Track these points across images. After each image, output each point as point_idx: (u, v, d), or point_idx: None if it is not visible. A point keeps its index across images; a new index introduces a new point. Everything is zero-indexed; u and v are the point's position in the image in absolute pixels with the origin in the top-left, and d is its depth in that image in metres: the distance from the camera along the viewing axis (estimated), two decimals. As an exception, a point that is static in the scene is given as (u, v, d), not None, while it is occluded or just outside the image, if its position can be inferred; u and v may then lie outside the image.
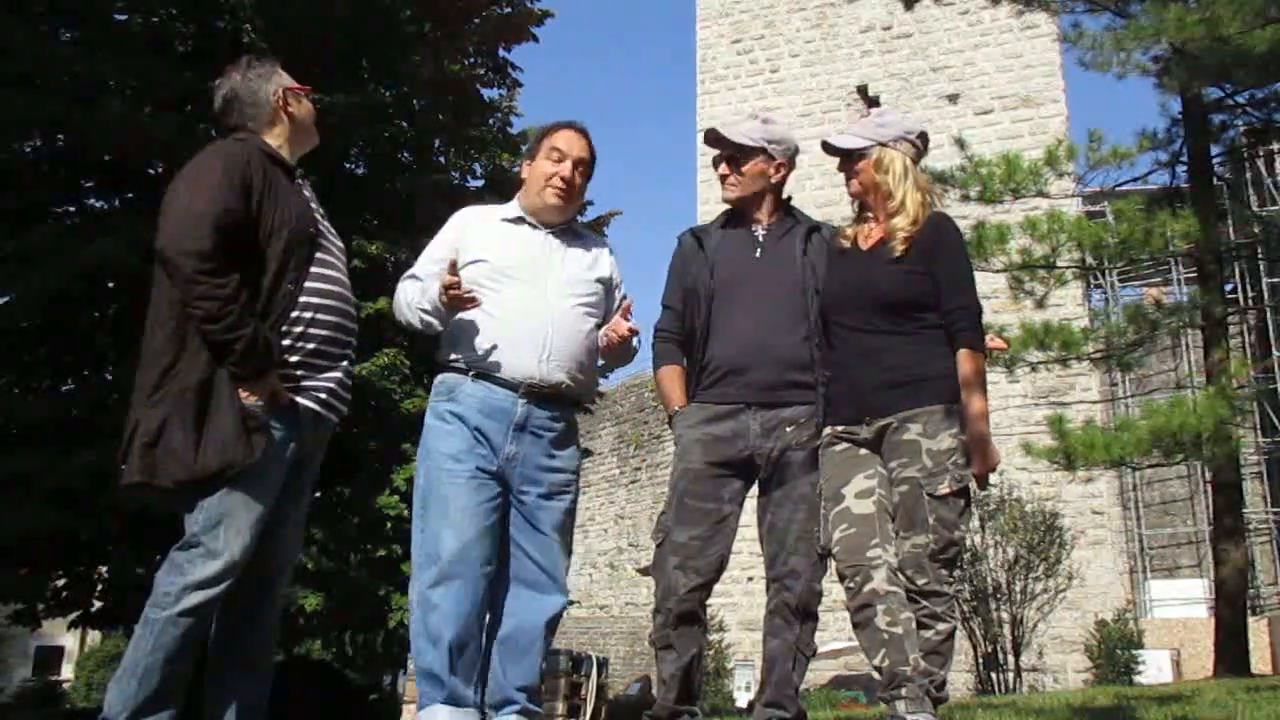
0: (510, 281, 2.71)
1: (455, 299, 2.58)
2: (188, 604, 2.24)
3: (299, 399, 2.42)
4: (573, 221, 2.95)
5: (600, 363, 2.89)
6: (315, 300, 2.47)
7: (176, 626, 2.24)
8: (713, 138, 2.94)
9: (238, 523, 2.29)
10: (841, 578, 2.54)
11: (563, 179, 2.80)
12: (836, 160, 2.82)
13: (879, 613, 2.44)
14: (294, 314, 2.43)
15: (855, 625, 2.52)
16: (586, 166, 2.87)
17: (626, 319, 2.76)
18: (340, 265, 2.59)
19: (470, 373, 2.68)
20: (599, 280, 2.85)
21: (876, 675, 2.50)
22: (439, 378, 2.77)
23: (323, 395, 2.47)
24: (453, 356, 2.73)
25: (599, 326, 2.83)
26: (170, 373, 2.33)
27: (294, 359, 2.42)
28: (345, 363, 2.55)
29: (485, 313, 2.68)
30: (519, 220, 2.85)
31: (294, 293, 2.42)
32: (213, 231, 2.31)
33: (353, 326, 2.59)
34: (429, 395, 2.84)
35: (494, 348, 2.67)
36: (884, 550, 2.50)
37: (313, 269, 2.48)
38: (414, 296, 2.73)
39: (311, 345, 2.45)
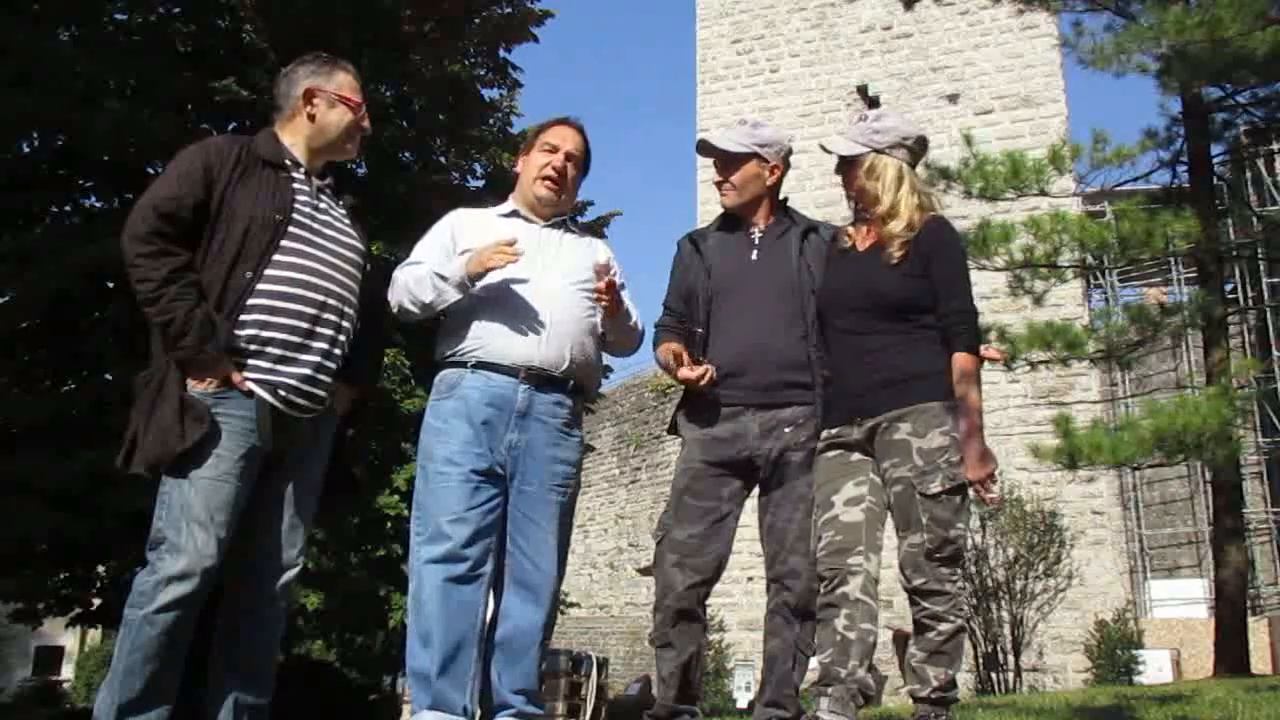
0: (507, 270, 2.67)
1: (501, 255, 2.55)
2: (161, 601, 2.23)
3: (256, 389, 2.39)
4: (567, 218, 2.94)
5: (609, 337, 2.84)
6: (278, 289, 2.43)
7: (153, 625, 2.23)
8: (704, 147, 2.95)
9: (198, 515, 2.28)
10: (819, 579, 2.56)
11: (554, 169, 2.81)
12: (836, 163, 2.83)
13: (841, 615, 2.47)
14: (250, 302, 2.39)
15: (817, 621, 2.56)
16: (579, 161, 2.87)
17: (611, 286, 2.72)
18: (326, 259, 2.53)
19: (470, 364, 2.66)
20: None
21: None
22: (439, 375, 2.74)
23: (281, 390, 2.42)
24: (451, 350, 2.71)
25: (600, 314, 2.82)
26: (151, 366, 2.37)
27: (251, 348, 2.39)
28: (319, 358, 2.48)
29: (482, 302, 2.66)
30: (513, 214, 2.85)
31: (252, 280, 2.39)
32: (155, 216, 2.33)
33: (335, 320, 2.52)
34: (429, 394, 2.80)
35: (493, 335, 2.65)
36: (866, 560, 2.51)
37: (279, 258, 2.44)
38: (420, 274, 2.67)
39: (270, 334, 2.41)
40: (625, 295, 2.83)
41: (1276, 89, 10.54)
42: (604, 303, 2.71)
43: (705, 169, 17.90)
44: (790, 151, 2.98)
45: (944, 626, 2.50)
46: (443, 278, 2.63)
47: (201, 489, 2.30)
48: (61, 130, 8.09)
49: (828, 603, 2.51)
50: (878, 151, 2.72)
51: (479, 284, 2.64)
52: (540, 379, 2.67)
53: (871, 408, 2.58)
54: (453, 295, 2.63)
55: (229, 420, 2.34)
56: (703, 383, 2.72)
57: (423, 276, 2.66)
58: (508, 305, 2.68)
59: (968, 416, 2.53)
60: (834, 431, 2.65)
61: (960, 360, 2.57)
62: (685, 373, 2.71)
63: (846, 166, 2.76)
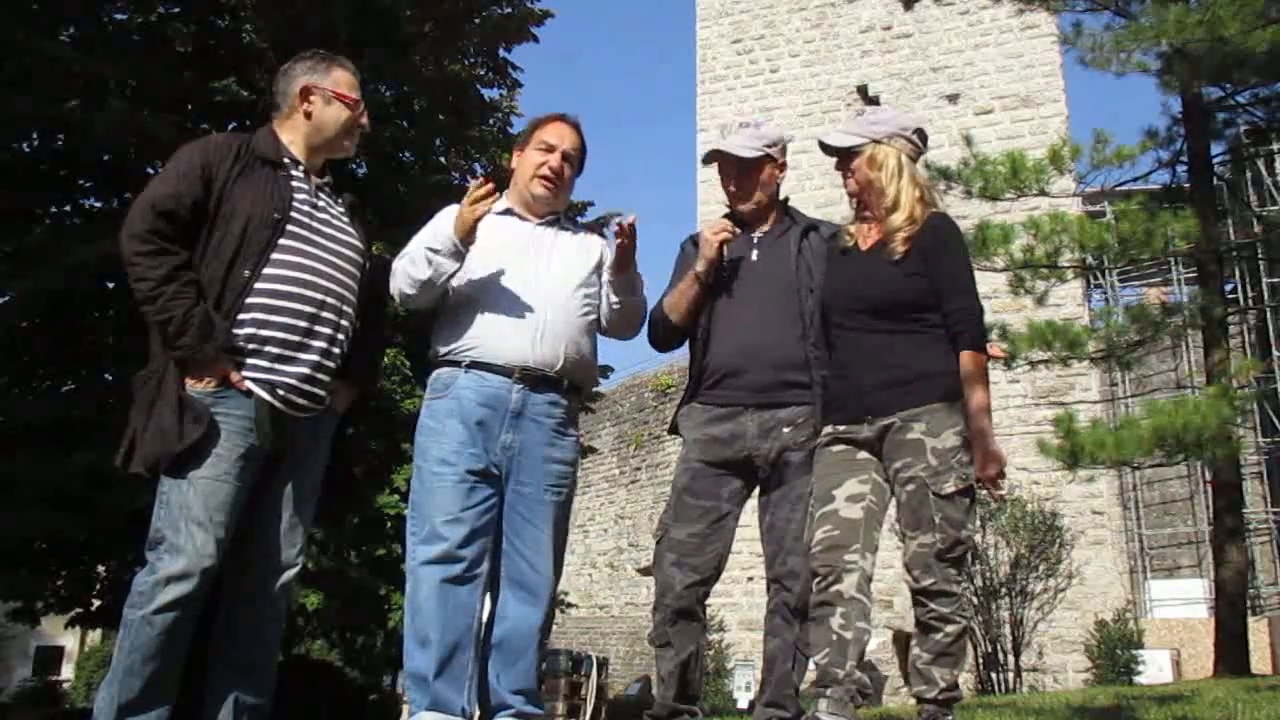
0: (500, 268, 2.67)
1: (481, 200, 2.56)
2: (160, 601, 2.23)
3: (255, 388, 2.38)
4: (561, 214, 2.92)
5: (617, 304, 2.81)
6: (276, 287, 2.42)
7: (152, 626, 2.23)
8: (716, 158, 2.91)
9: (197, 515, 2.27)
10: (814, 575, 2.53)
11: (551, 169, 2.79)
12: (835, 160, 2.81)
13: (836, 614, 2.45)
14: (249, 300, 2.38)
15: (811, 619, 2.53)
16: (576, 159, 2.85)
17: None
18: (325, 257, 2.53)
19: (464, 363, 2.65)
20: (593, 264, 2.83)
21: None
22: (433, 374, 2.73)
23: (280, 389, 2.41)
24: (446, 350, 2.70)
25: (596, 312, 2.81)
26: (150, 366, 2.36)
27: (250, 347, 2.39)
28: (318, 357, 2.48)
29: (476, 301, 2.66)
30: (507, 212, 2.83)
31: (251, 279, 2.38)
32: (153, 215, 2.33)
33: (334, 319, 2.52)
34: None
35: (486, 335, 2.64)
36: (862, 558, 2.49)
37: (278, 256, 2.43)
38: (414, 257, 2.67)
39: (269, 333, 2.40)
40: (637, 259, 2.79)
41: (1276, 89, 10.55)
42: (624, 242, 2.70)
43: (705, 170, 17.90)
44: (786, 147, 2.99)
45: (951, 628, 2.48)
46: (434, 250, 2.62)
47: (200, 489, 2.29)
48: (61, 130, 8.09)
49: (822, 600, 2.49)
50: (876, 142, 2.71)
51: (471, 246, 2.63)
52: (534, 379, 2.66)
53: (883, 406, 2.56)
54: (448, 264, 2.62)
55: (228, 420, 2.34)
56: (722, 237, 2.76)
57: (416, 256, 2.65)
58: (502, 304, 2.67)
59: (976, 414, 2.53)
60: (841, 428, 2.63)
61: (966, 359, 2.56)
62: (708, 234, 2.77)
63: (846, 160, 2.75)
